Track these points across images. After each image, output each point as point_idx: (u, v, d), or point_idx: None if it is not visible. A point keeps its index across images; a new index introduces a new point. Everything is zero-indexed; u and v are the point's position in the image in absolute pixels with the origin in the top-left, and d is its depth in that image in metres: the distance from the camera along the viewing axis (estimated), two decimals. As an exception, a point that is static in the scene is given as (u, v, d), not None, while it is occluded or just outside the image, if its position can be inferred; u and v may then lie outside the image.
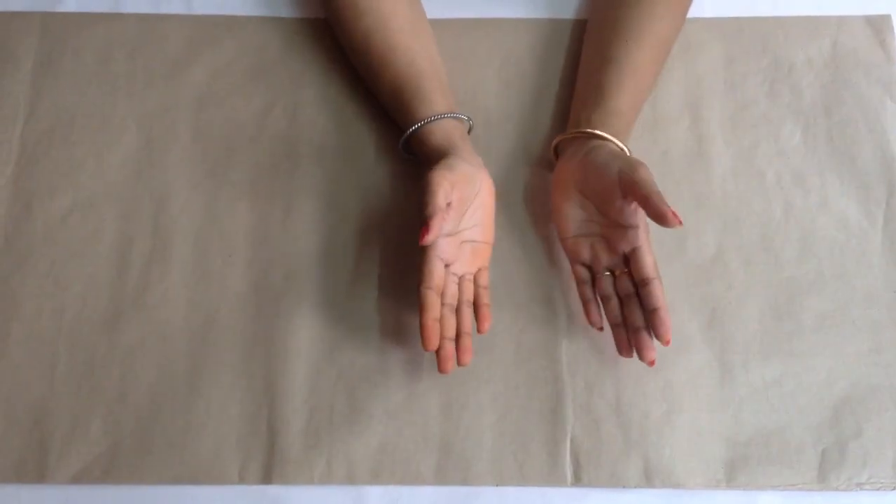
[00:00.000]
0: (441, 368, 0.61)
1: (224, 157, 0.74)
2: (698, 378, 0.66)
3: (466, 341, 0.63)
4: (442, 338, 0.61)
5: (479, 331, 0.64)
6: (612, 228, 0.65)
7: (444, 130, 0.68)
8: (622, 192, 0.63)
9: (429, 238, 0.59)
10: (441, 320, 0.62)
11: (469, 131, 0.72)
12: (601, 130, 0.67)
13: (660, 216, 0.59)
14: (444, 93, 0.71)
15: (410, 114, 0.69)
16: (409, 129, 0.69)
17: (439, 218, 0.60)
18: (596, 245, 0.66)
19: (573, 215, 0.67)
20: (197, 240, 0.71)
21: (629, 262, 0.64)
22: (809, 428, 0.65)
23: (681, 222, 0.58)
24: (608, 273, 0.66)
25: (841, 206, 0.72)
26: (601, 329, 0.65)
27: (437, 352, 0.61)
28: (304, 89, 0.77)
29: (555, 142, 0.70)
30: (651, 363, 0.62)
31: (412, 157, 0.72)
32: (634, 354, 0.63)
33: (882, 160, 0.73)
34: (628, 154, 0.67)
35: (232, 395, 0.66)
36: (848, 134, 0.74)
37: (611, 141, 0.67)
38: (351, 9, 0.72)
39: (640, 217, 0.63)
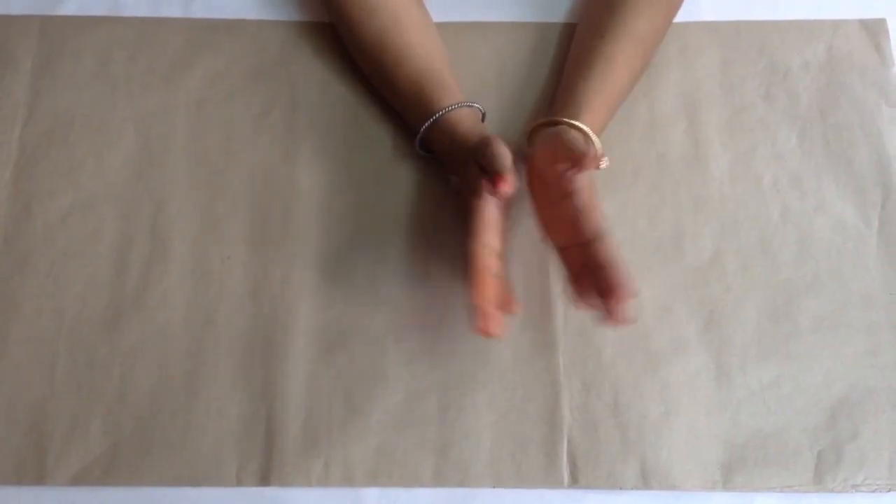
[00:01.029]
0: (491, 331, 0.59)
1: (223, 159, 0.74)
2: (695, 380, 0.66)
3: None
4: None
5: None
6: (563, 197, 0.64)
7: (472, 121, 0.70)
8: (553, 157, 0.64)
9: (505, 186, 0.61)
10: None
11: (482, 119, 0.73)
12: (562, 116, 0.68)
13: (576, 160, 0.60)
14: (458, 87, 0.72)
15: (433, 105, 0.70)
16: (427, 121, 0.69)
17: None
18: (568, 223, 0.64)
19: (542, 198, 0.68)
20: (196, 241, 0.71)
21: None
22: (806, 430, 0.65)
23: (603, 161, 0.63)
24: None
25: (837, 209, 0.72)
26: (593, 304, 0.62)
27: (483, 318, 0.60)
28: (302, 92, 0.77)
29: (528, 130, 0.72)
30: (624, 322, 0.58)
31: (428, 154, 0.73)
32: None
33: (878, 163, 0.74)
34: (593, 140, 0.68)
35: (230, 397, 0.66)
36: (844, 137, 0.75)
37: (576, 126, 0.67)
38: (362, 9, 0.73)
39: (581, 180, 0.62)
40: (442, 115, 0.69)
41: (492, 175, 0.62)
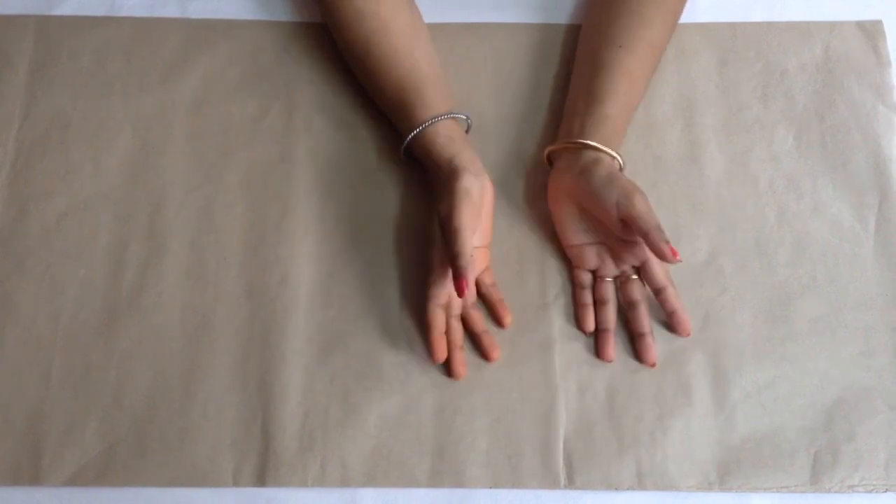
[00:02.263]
0: (454, 374, 0.65)
1: (219, 161, 0.74)
2: (691, 381, 0.66)
3: (486, 339, 0.67)
4: (451, 346, 0.66)
5: (503, 326, 0.67)
6: (618, 241, 0.67)
7: (447, 136, 0.68)
8: (621, 224, 0.65)
9: (468, 292, 0.65)
10: (448, 332, 0.66)
11: (467, 130, 0.73)
12: (592, 139, 0.67)
13: (659, 253, 0.62)
14: (445, 95, 0.71)
15: (412, 118, 0.69)
16: (409, 133, 0.69)
17: (472, 270, 0.64)
18: (602, 253, 0.69)
19: (575, 225, 0.69)
20: (192, 242, 0.71)
21: (640, 273, 0.67)
22: (802, 431, 0.65)
23: (679, 259, 0.63)
24: (610, 279, 0.68)
25: (834, 210, 0.72)
26: (590, 334, 0.68)
27: (447, 362, 0.65)
28: (299, 93, 0.77)
29: (547, 151, 0.71)
30: (653, 365, 0.66)
31: (414, 162, 0.72)
32: (630, 356, 0.65)
33: (874, 165, 0.74)
34: (620, 163, 0.68)
35: (227, 398, 0.66)
36: (840, 139, 0.75)
37: (603, 151, 0.67)
38: (351, 13, 0.73)
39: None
40: (420, 130, 0.69)
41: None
